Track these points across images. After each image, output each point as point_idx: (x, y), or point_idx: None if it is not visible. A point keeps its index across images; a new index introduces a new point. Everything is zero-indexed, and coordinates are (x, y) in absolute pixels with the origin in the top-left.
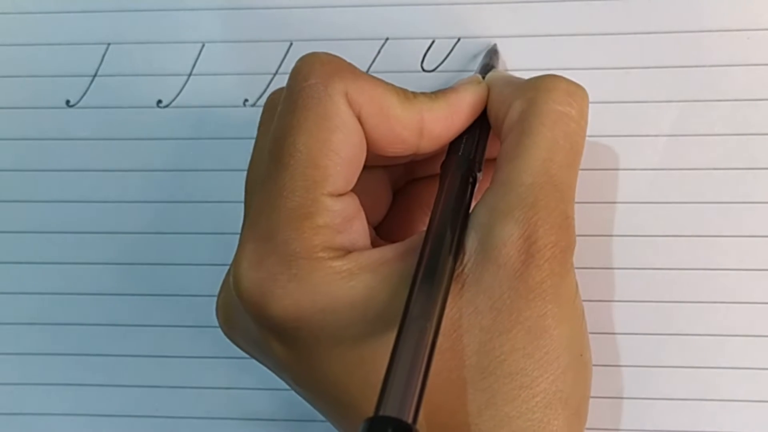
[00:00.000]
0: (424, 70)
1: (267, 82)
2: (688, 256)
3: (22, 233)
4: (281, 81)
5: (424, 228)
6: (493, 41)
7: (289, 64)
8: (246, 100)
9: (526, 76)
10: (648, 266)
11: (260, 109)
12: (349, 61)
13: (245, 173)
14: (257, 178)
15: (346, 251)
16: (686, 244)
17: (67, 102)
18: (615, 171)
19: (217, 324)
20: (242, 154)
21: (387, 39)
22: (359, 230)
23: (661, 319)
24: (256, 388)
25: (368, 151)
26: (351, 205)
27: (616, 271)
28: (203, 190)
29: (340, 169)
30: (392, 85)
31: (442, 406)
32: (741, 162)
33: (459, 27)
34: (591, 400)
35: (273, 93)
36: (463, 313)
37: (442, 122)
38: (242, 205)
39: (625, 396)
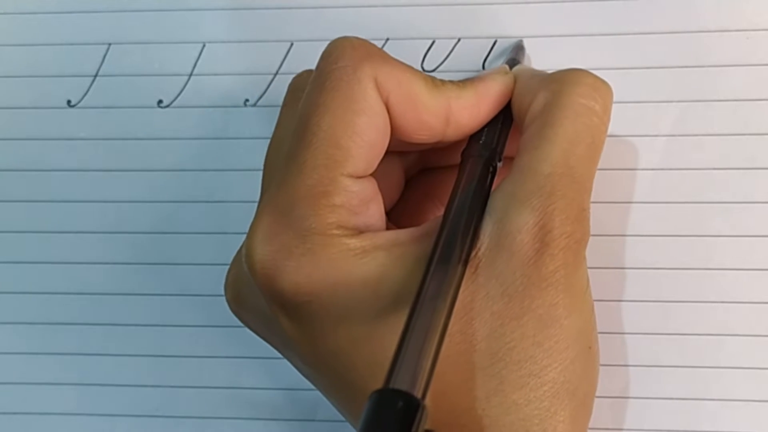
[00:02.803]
0: (424, 70)
1: (268, 83)
2: (688, 256)
3: (22, 233)
4: (282, 81)
5: (434, 217)
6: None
7: (290, 65)
8: (247, 100)
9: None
10: (648, 266)
11: (261, 110)
12: None
13: (245, 173)
14: (277, 156)
15: (360, 232)
16: (686, 244)
17: (68, 102)
18: (615, 171)
19: (217, 323)
20: (243, 154)
21: (387, 39)
22: (375, 214)
23: (661, 318)
24: (256, 388)
25: (393, 136)
26: (369, 188)
27: (615, 270)
28: (204, 190)
29: (362, 151)
30: (421, 72)
31: (449, 390)
32: (741, 162)
33: (459, 27)
34: None
35: (297, 75)
36: (475, 298)
37: (469, 111)
38: (243, 205)
39: (624, 395)
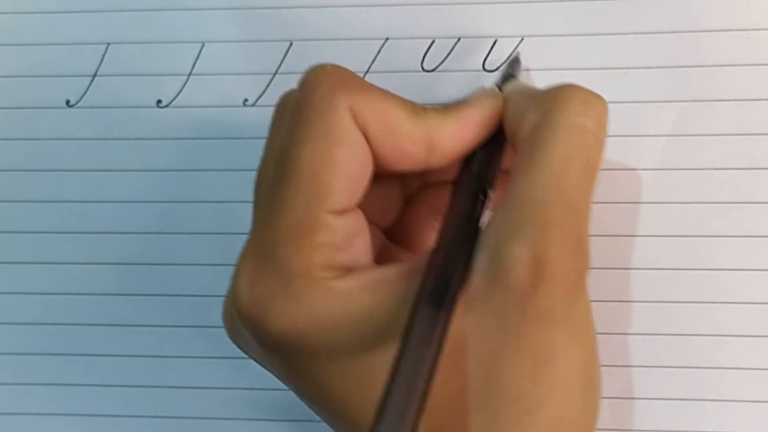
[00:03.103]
0: (424, 70)
1: (267, 82)
2: (688, 256)
3: (22, 233)
4: (281, 81)
5: (423, 252)
6: (510, 47)
7: (289, 64)
8: (246, 100)
9: (527, 76)
10: (648, 266)
11: (260, 109)
12: (350, 61)
13: (245, 173)
14: (264, 187)
15: (347, 269)
16: (686, 244)
17: (67, 102)
18: (615, 171)
19: (216, 324)
20: (242, 154)
21: (387, 39)
22: (361, 247)
23: (661, 319)
24: (256, 388)
25: (377, 165)
26: (354, 222)
27: (615, 271)
28: (203, 190)
29: (343, 185)
30: (401, 99)
31: (444, 426)
32: (741, 162)
33: (459, 27)
34: None
35: (283, 95)
36: (468, 334)
37: (452, 138)
38: (242, 205)
39: (624, 396)
